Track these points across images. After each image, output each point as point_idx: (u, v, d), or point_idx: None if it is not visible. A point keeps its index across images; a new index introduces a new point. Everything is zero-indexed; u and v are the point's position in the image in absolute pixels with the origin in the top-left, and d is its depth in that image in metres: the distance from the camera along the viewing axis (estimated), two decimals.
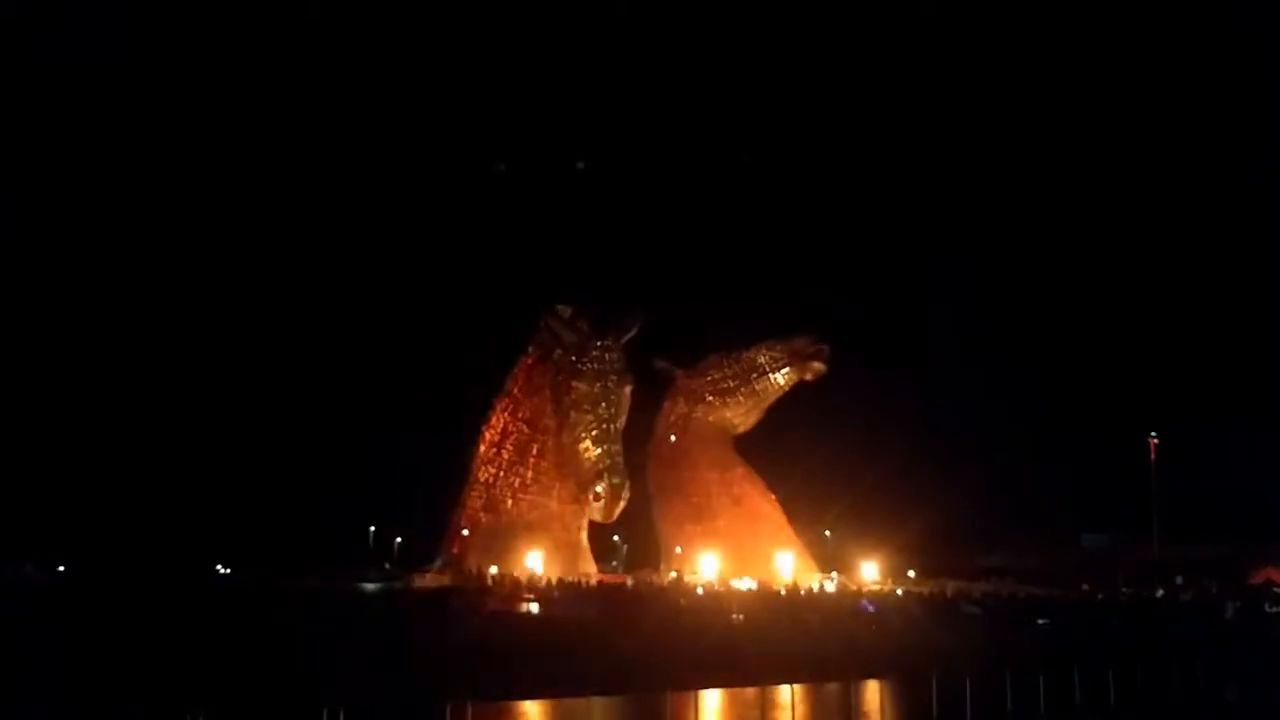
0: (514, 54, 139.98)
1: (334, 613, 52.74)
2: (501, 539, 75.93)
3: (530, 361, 78.79)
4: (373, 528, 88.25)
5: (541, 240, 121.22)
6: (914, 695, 37.17)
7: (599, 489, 72.65)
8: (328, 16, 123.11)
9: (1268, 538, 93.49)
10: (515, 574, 72.27)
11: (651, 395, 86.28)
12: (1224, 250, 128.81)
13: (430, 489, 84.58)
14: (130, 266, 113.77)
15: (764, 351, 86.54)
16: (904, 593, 78.21)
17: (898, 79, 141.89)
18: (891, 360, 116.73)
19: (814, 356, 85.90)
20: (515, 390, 79.01)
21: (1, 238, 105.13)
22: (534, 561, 74.49)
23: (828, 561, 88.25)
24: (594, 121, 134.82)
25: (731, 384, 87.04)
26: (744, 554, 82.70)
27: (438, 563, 77.25)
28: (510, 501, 77.40)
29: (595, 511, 74.45)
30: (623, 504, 74.40)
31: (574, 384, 73.28)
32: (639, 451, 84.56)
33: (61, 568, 76.00)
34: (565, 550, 77.08)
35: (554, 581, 69.70)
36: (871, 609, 67.00)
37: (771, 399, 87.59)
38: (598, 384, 73.32)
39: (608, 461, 72.84)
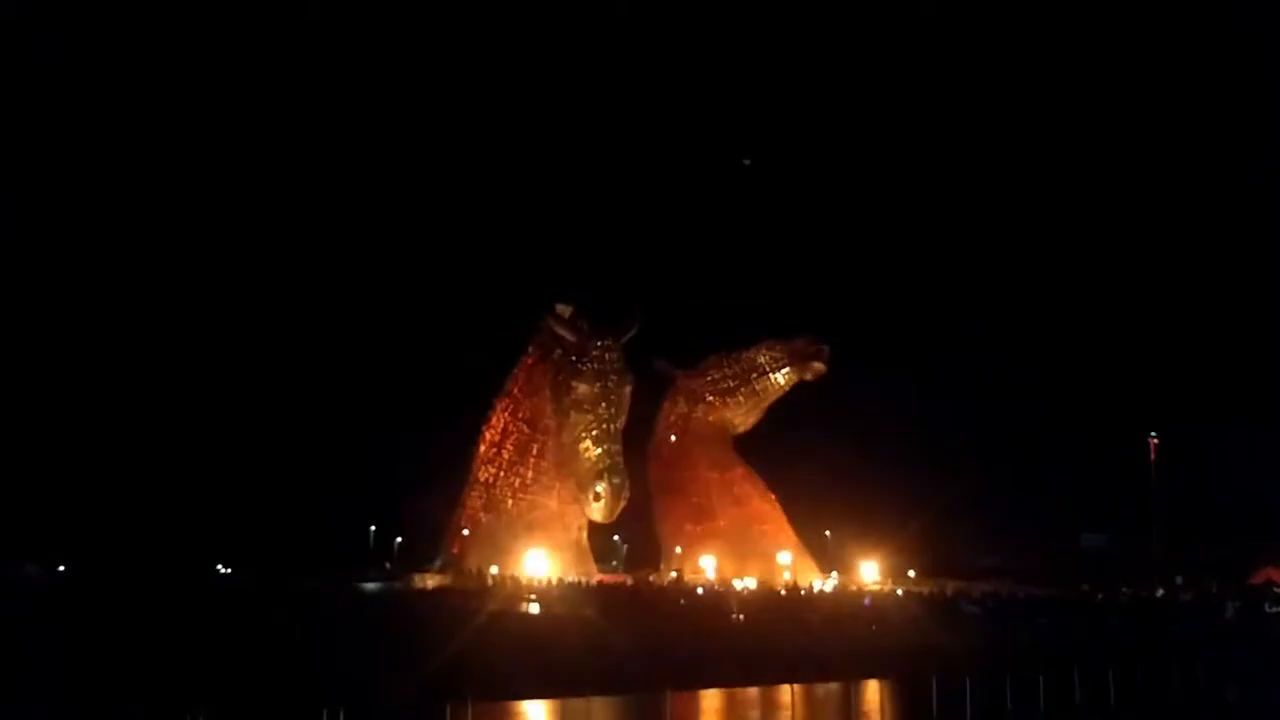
0: (514, 54, 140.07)
1: (334, 613, 52.77)
2: (502, 539, 75.98)
3: (530, 361, 78.80)
4: (373, 528, 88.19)
5: (541, 240, 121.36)
6: (914, 695, 37.15)
7: (599, 489, 72.65)
8: (327, 16, 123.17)
9: (1268, 538, 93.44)
10: (515, 574, 72.33)
11: (651, 395, 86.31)
12: (1224, 250, 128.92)
13: (431, 489, 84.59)
14: (131, 267, 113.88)
15: (764, 351, 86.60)
16: (904, 593, 78.26)
17: (899, 79, 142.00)
18: (891, 360, 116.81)
19: (814, 356, 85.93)
20: (515, 390, 79.02)
21: (2, 238, 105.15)
22: (534, 561, 74.53)
23: (828, 561, 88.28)
24: (594, 122, 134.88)
25: (731, 384, 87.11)
26: (744, 554, 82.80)
27: (438, 563, 77.30)
28: (510, 501, 77.42)
29: (595, 511, 74.45)
30: (623, 504, 74.42)
31: (574, 384, 73.27)
32: (639, 451, 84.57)
33: (61, 568, 75.98)
34: (565, 550, 77.12)
35: (554, 581, 69.74)
36: (868, 603, 67.09)
37: (771, 399, 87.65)
38: (598, 384, 73.33)
39: (608, 461, 72.84)
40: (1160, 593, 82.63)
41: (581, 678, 38.10)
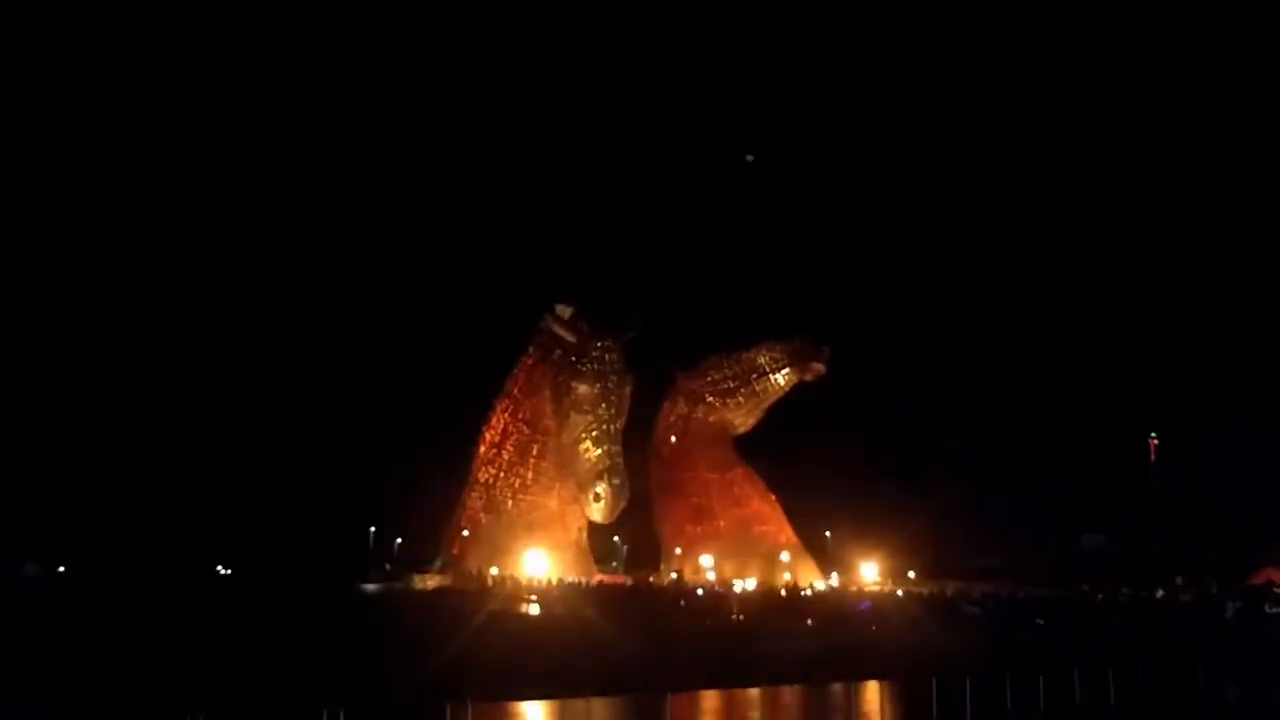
0: (515, 54, 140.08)
1: (334, 613, 52.74)
2: (502, 539, 75.96)
3: (530, 362, 78.77)
4: (373, 528, 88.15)
5: (541, 241, 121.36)
6: (914, 695, 37.17)
7: (599, 489, 72.63)
8: (327, 16, 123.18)
9: (1268, 538, 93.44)
10: (515, 574, 72.33)
11: (651, 396, 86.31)
12: (1224, 250, 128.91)
13: (431, 489, 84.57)
14: (131, 267, 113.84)
15: (764, 352, 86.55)
16: (904, 593, 78.25)
17: (900, 79, 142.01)
18: (891, 360, 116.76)
19: (814, 357, 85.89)
20: (515, 391, 79.00)
21: (2, 238, 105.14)
22: (534, 562, 74.52)
23: (828, 562, 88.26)
24: (594, 122, 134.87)
25: (731, 385, 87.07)
26: (744, 554, 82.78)
27: (438, 563, 77.29)
28: (510, 502, 77.40)
29: (595, 512, 74.43)
30: (623, 505, 74.42)
31: (574, 385, 73.27)
32: (639, 452, 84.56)
33: (61, 568, 75.95)
34: (565, 551, 77.10)
35: (554, 582, 69.74)
36: (865, 606, 67.07)
37: (771, 400, 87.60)
38: (598, 384, 73.31)
39: (608, 462, 72.83)
40: (1160, 593, 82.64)
41: (581, 678, 38.16)
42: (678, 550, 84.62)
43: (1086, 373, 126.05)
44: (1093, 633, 60.36)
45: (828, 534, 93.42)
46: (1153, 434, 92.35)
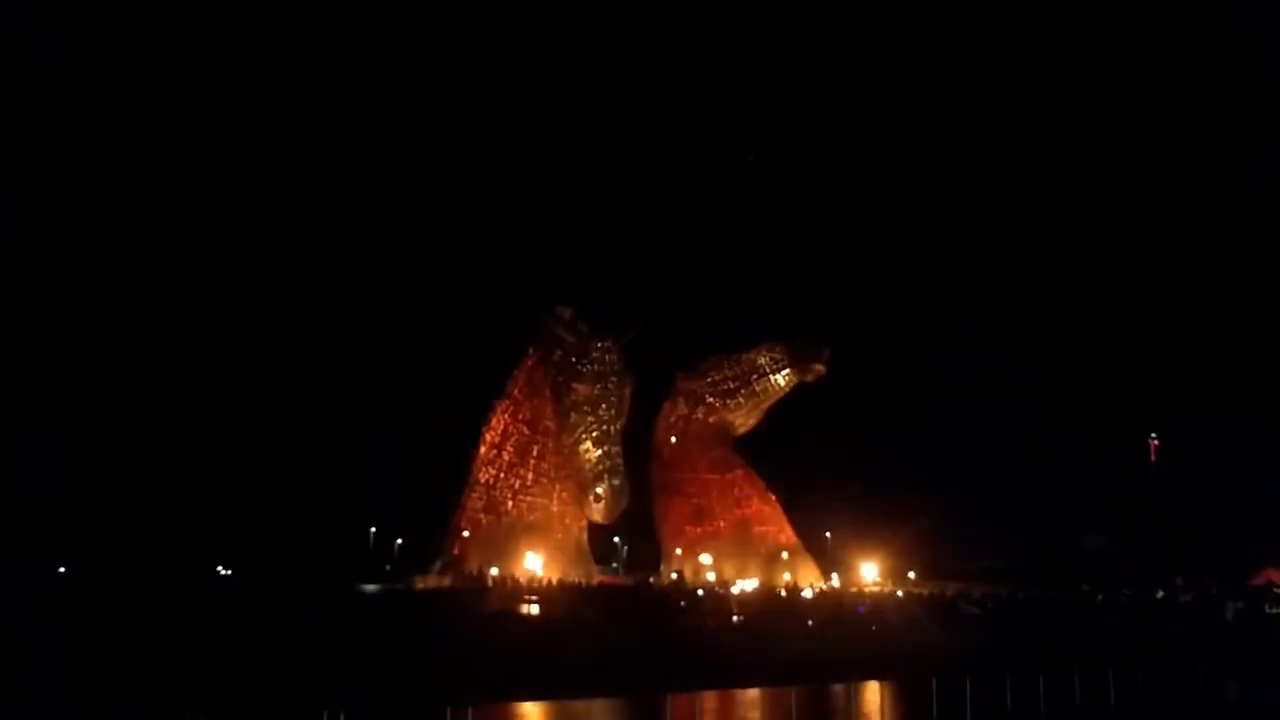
0: (515, 55, 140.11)
1: (334, 613, 52.73)
2: (502, 540, 75.92)
3: (531, 363, 78.77)
4: (373, 529, 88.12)
5: (542, 242, 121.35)
6: (914, 695, 37.18)
7: (599, 490, 72.61)
8: (327, 16, 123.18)
9: (1268, 538, 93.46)
10: (516, 575, 72.33)
11: (652, 397, 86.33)
12: (1224, 250, 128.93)
13: (430, 490, 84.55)
14: (131, 267, 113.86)
15: (764, 353, 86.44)
16: (904, 593, 78.22)
17: (899, 79, 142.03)
18: (891, 360, 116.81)
19: (814, 358, 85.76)
20: (516, 392, 79.00)
21: (2, 238, 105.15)
22: (534, 563, 74.50)
23: (828, 562, 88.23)
24: (594, 123, 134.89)
25: (731, 385, 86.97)
26: (744, 555, 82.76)
27: (439, 564, 77.22)
28: (511, 503, 77.39)
29: (595, 513, 74.40)
30: (623, 505, 74.40)
31: (574, 385, 73.26)
32: (639, 453, 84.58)
33: (62, 568, 75.93)
34: (565, 552, 77.09)
35: (554, 583, 69.73)
36: (862, 609, 67.07)
37: (772, 400, 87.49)
38: (598, 385, 73.31)
39: (608, 463, 72.82)
40: (1160, 593, 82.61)
41: (581, 678, 38.18)
42: (678, 551, 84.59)
43: (1086, 373, 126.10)
44: (1093, 633, 60.33)
45: (828, 534, 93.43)
46: (1153, 434, 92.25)
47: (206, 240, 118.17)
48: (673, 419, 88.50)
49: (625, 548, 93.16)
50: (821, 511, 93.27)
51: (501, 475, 77.88)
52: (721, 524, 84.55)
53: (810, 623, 60.04)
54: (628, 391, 74.66)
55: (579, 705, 34.50)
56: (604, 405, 73.25)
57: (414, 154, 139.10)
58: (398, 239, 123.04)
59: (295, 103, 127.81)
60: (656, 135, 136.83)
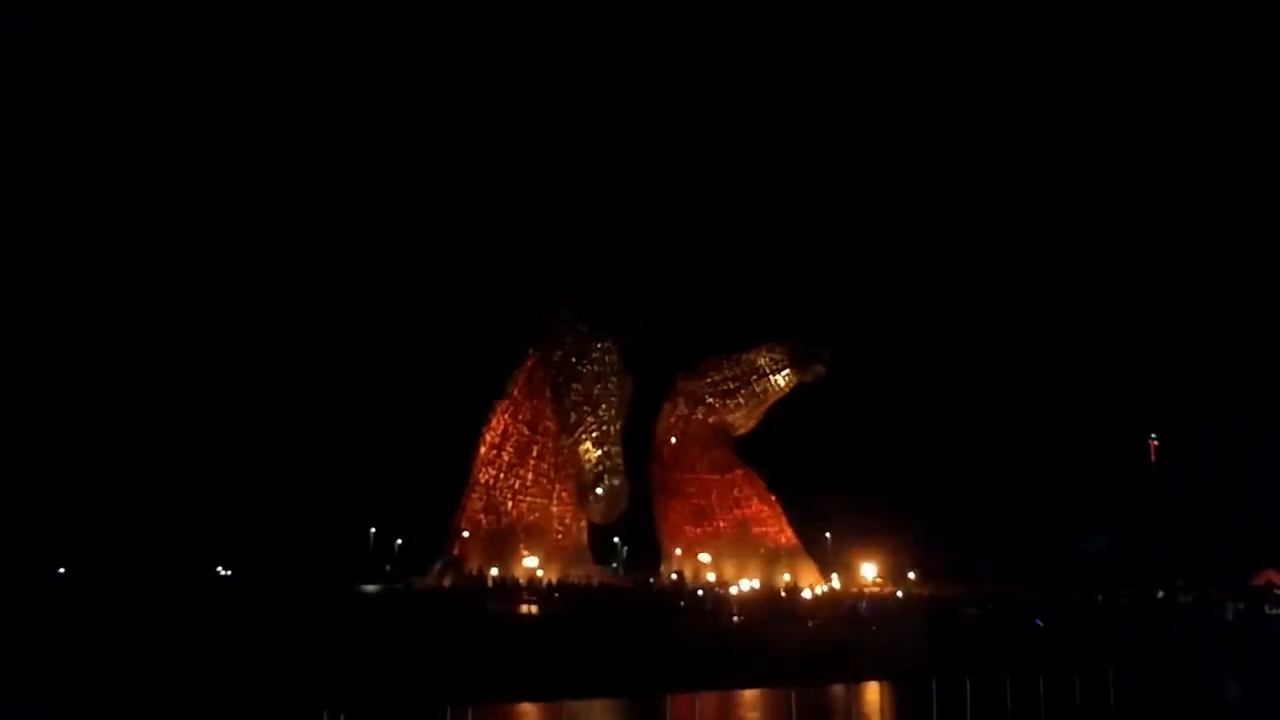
0: (515, 54, 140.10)
1: (334, 613, 52.77)
2: (502, 541, 76.02)
3: (530, 364, 78.87)
4: (373, 529, 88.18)
5: (542, 241, 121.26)
6: (914, 696, 37.14)
7: (599, 491, 72.75)
8: (327, 16, 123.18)
9: (1268, 538, 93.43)
10: (516, 575, 72.39)
11: (652, 396, 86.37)
12: (1223, 250, 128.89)
13: (430, 490, 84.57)
14: (131, 268, 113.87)
15: (764, 353, 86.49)
16: (904, 594, 78.26)
17: (899, 79, 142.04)
18: (891, 360, 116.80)
19: (814, 358, 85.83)
20: (515, 392, 79.08)
21: (2, 238, 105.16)
22: (534, 563, 74.55)
23: (828, 563, 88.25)
24: (594, 122, 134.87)
25: (731, 386, 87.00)
26: (744, 555, 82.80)
27: (439, 564, 77.29)
28: (510, 503, 77.47)
29: (595, 513, 74.51)
30: (623, 506, 74.45)
31: (574, 385, 73.41)
32: (639, 453, 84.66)
33: (62, 568, 75.97)
34: (565, 552, 77.18)
35: (554, 583, 69.78)
36: (864, 609, 67.09)
37: (772, 401, 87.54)
38: (597, 385, 73.42)
39: (608, 463, 72.95)
40: (1160, 594, 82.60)
41: (581, 678, 38.16)
42: (678, 551, 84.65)
43: (1086, 373, 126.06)
44: (1093, 634, 60.30)
45: (828, 534, 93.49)
46: (1153, 434, 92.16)
47: (206, 240, 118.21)
48: (673, 419, 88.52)
49: (625, 548, 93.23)
50: (821, 511, 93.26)
51: (501, 476, 77.96)
52: (721, 524, 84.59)
53: (810, 623, 60.07)
54: (627, 392, 74.72)
55: (579, 705, 34.44)
56: (604, 405, 73.37)
57: (414, 154, 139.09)
58: (398, 239, 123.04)
59: (295, 103, 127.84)
60: (657, 135, 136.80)
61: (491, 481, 78.17)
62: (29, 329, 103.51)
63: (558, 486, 77.45)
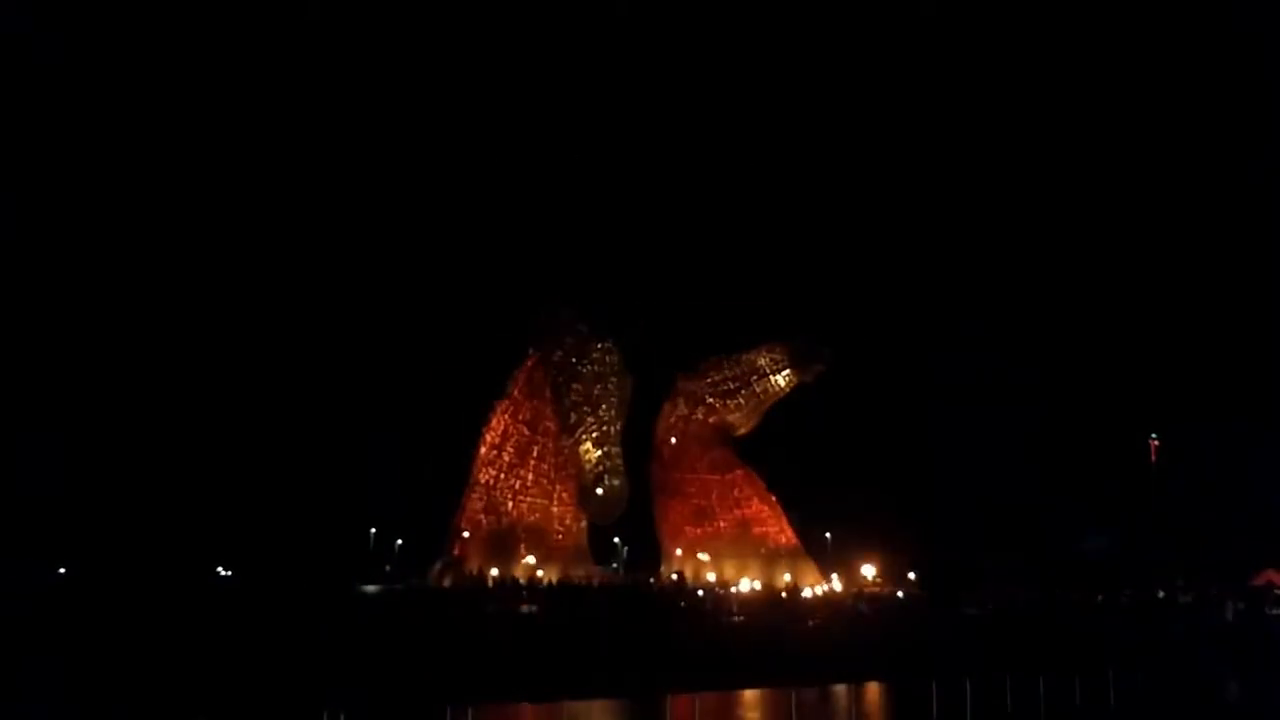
0: (517, 58, 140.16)
1: (334, 614, 52.76)
2: (502, 541, 75.99)
3: (531, 363, 78.83)
4: (373, 529, 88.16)
5: (543, 242, 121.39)
6: (914, 695, 37.16)
7: (599, 491, 72.70)
8: (327, 17, 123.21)
9: (1268, 538, 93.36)
10: (516, 576, 72.36)
11: (652, 397, 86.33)
12: (1223, 250, 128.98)
13: (430, 490, 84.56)
14: (131, 268, 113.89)
15: (764, 353, 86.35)
16: (904, 594, 78.21)
17: (900, 81, 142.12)
18: (891, 360, 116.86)
19: (814, 358, 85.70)
20: (515, 392, 79.05)
21: (3, 238, 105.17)
22: (534, 563, 74.53)
23: (828, 563, 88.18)
24: (595, 124, 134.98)
25: (731, 386, 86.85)
26: (744, 555, 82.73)
27: (439, 565, 77.27)
28: (510, 504, 77.45)
29: (595, 514, 74.46)
30: (622, 507, 74.42)
31: (574, 385, 73.35)
32: (639, 454, 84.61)
33: (62, 568, 75.91)
34: (565, 552, 77.13)
35: (554, 583, 69.76)
36: (865, 610, 67.05)
37: (772, 401, 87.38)
38: (597, 385, 73.36)
39: (608, 463, 72.90)
40: (1160, 594, 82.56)
41: (581, 678, 38.17)
42: (678, 551, 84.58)
43: (1086, 373, 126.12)
44: (1093, 634, 60.30)
45: (828, 534, 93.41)
46: (1153, 434, 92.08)
47: (206, 241, 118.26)
48: (673, 419, 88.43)
49: (625, 548, 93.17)
50: (821, 511, 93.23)
51: (501, 476, 77.93)
52: (721, 524, 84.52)
53: (810, 623, 60.06)
54: (627, 392, 74.69)
55: (579, 705, 34.46)
56: (604, 405, 73.32)
57: (415, 155, 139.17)
58: (398, 240, 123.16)
59: (295, 103, 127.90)
60: (657, 136, 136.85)
61: (491, 482, 78.15)
62: (29, 329, 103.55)
63: (558, 487, 77.41)
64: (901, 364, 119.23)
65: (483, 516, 77.98)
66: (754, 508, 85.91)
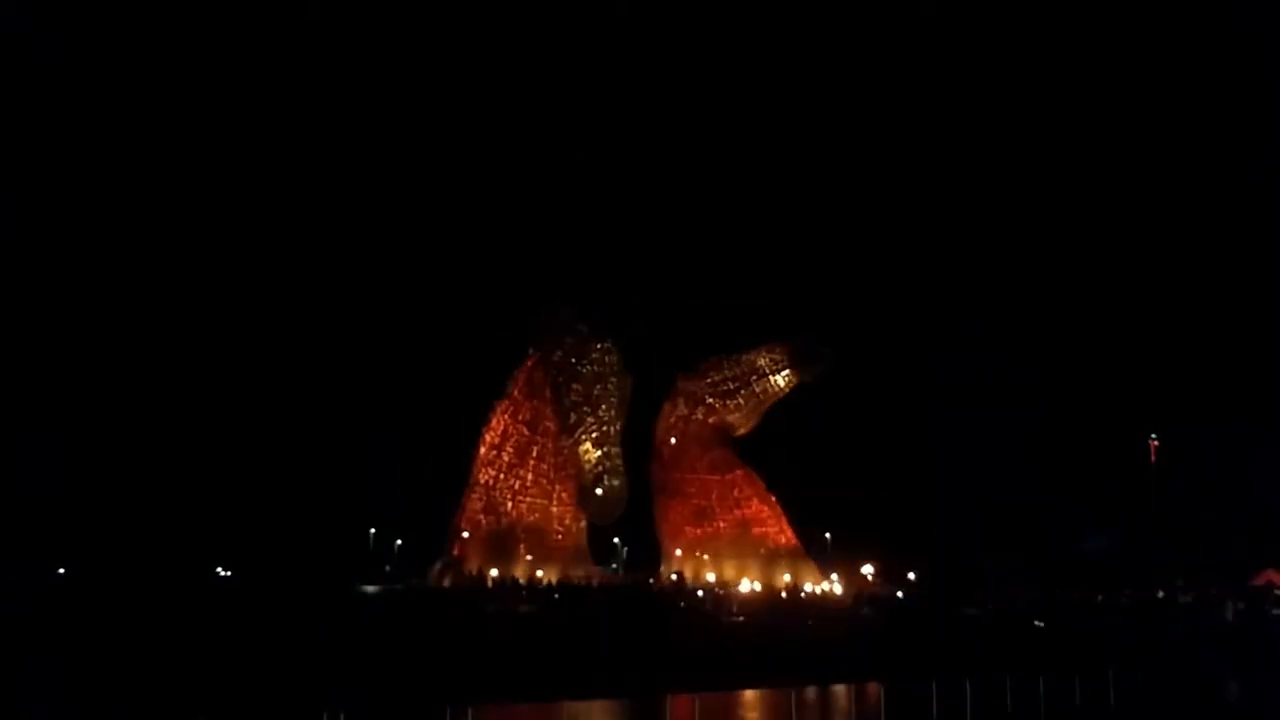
0: (518, 58, 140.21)
1: (334, 614, 52.76)
2: (501, 541, 75.99)
3: (530, 364, 78.84)
4: (373, 530, 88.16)
5: (543, 243, 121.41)
6: (914, 695, 37.15)
7: (599, 491, 72.71)
8: (327, 17, 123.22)
9: (1268, 538, 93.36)
10: (515, 575, 72.37)
11: (651, 397, 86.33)
12: (1223, 250, 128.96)
13: (430, 491, 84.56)
14: (131, 268, 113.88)
15: (764, 354, 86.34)
16: (903, 594, 78.23)
17: (900, 81, 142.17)
18: (891, 360, 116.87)
19: (814, 358, 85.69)
20: (515, 392, 79.05)
21: (3, 238, 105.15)
22: (533, 563, 74.54)
23: (828, 563, 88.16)
24: (595, 125, 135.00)
25: (731, 386, 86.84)
26: (744, 555, 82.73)
27: (439, 565, 77.28)
28: (510, 504, 77.46)
29: (594, 514, 74.45)
30: (622, 508, 74.42)
31: (574, 385, 73.36)
32: (639, 454, 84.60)
33: (62, 568, 75.90)
34: (565, 552, 77.13)
35: (554, 583, 69.77)
36: (865, 609, 67.09)
37: (771, 401, 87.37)
38: (597, 385, 73.36)
39: (607, 464, 72.91)
40: (1160, 594, 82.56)
41: (581, 678, 38.18)
42: (678, 551, 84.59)
43: (1086, 373, 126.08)
44: (1093, 634, 60.32)
45: (828, 534, 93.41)
46: (1153, 434, 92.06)
47: (206, 240, 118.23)
48: (673, 419, 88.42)
49: (625, 548, 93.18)
50: (821, 511, 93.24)
51: (501, 476, 77.93)
52: (721, 524, 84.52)
53: (810, 623, 60.07)
54: (627, 392, 74.70)
55: (579, 705, 34.46)
56: (604, 405, 73.33)
57: (415, 155, 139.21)
58: (398, 240, 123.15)
59: (296, 103, 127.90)
60: (657, 136, 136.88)
61: (491, 482, 78.15)
62: (29, 329, 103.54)
63: (558, 487, 77.42)
64: (901, 364, 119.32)
65: (482, 517, 77.98)
66: (754, 508, 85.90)
